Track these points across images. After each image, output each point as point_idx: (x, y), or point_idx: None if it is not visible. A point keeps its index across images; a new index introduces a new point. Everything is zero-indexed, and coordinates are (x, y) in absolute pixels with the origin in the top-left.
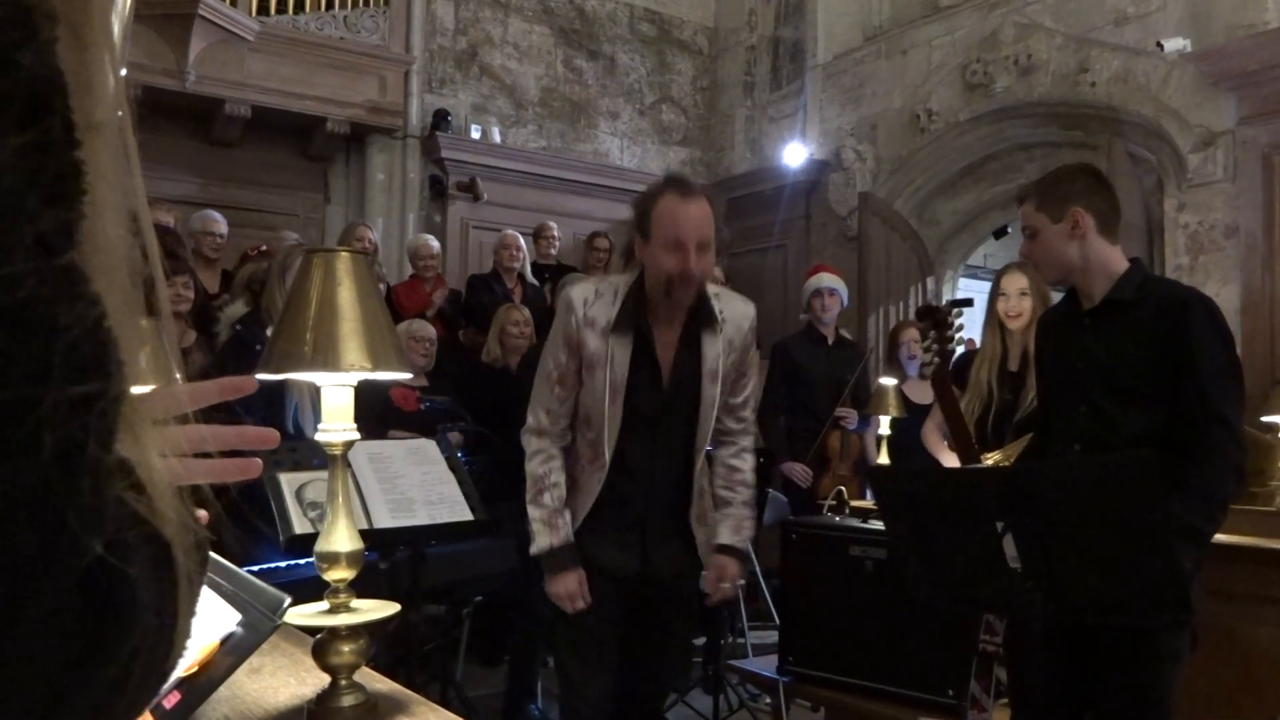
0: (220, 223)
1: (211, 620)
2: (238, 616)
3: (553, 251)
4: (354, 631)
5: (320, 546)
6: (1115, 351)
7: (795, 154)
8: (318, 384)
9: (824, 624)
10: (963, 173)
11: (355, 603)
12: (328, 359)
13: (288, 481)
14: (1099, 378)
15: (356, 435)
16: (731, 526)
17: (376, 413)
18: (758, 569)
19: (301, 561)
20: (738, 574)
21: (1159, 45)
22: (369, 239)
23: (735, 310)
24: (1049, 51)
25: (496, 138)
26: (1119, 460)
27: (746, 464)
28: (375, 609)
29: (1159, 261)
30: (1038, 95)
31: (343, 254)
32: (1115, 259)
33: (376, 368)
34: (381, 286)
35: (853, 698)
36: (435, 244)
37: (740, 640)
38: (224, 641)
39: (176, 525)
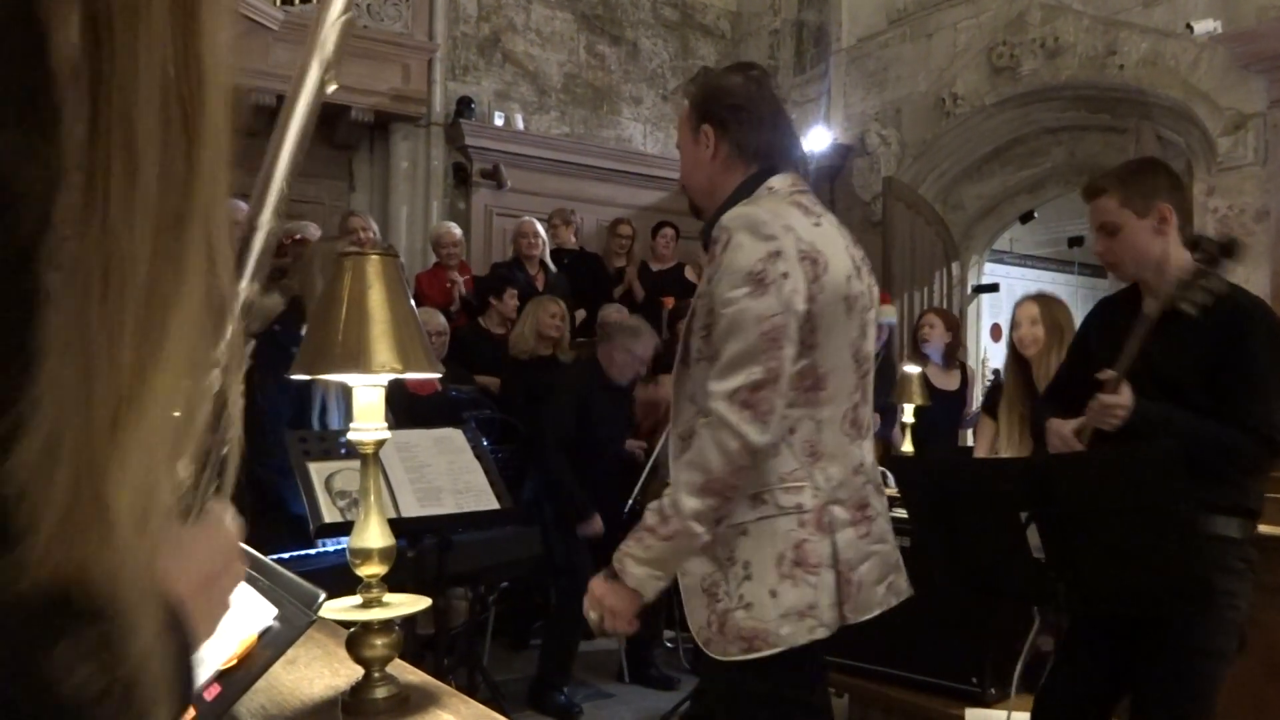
0: (244, 211)
1: (249, 614)
2: (274, 610)
3: (573, 238)
4: (386, 625)
5: (354, 543)
6: (1173, 358)
7: (819, 138)
8: (349, 384)
9: None
10: (988, 157)
11: (388, 597)
12: (359, 360)
13: (317, 471)
14: (1153, 382)
15: (388, 434)
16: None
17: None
18: None
19: (330, 549)
20: (607, 607)
21: (1189, 27)
22: (362, 228)
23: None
24: (1076, 34)
25: (519, 124)
26: (1142, 452)
27: (682, 473)
28: (407, 603)
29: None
30: (1065, 78)
31: (373, 257)
32: (1187, 259)
33: (407, 368)
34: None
35: (877, 685)
36: (458, 231)
37: None
38: (262, 635)
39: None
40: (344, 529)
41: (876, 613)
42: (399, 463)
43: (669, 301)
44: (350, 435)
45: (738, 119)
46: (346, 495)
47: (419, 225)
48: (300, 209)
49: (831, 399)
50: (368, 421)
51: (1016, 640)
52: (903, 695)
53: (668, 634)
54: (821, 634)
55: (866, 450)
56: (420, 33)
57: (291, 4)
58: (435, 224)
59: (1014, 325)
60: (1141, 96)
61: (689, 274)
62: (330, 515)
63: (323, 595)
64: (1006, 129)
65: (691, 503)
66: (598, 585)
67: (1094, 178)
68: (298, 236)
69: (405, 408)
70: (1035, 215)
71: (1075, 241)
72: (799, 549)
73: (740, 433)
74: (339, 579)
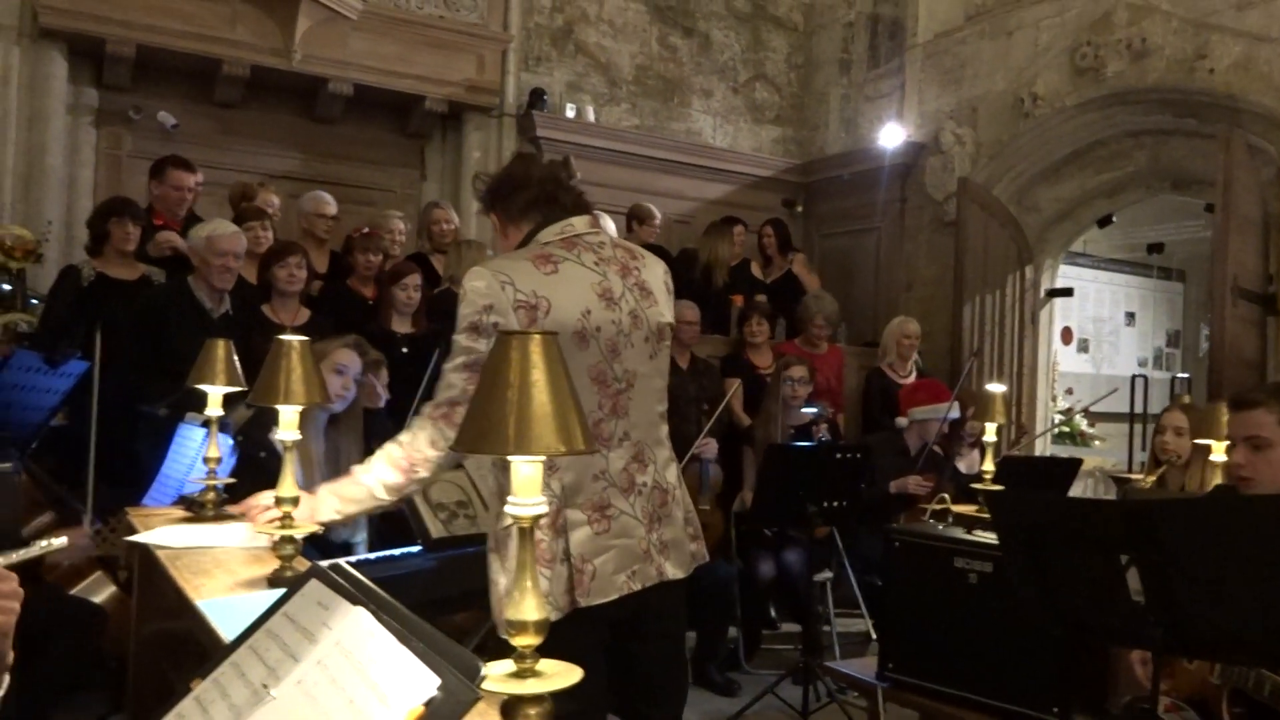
0: (331, 204)
1: (412, 683)
2: (437, 680)
3: (652, 238)
4: (540, 695)
5: (510, 615)
6: None
7: (892, 135)
8: (508, 459)
9: (926, 633)
10: (1067, 159)
11: (541, 665)
12: (523, 441)
13: None
14: None
15: (545, 508)
16: None
17: None
18: (845, 560)
19: (413, 549)
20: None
21: None
22: (445, 220)
23: None
24: (1165, 36)
25: (590, 116)
26: (1255, 502)
27: (388, 448)
28: (561, 673)
29: (1275, 258)
30: (1151, 81)
31: (535, 337)
32: None
33: (570, 449)
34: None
35: (951, 706)
36: None
37: (826, 628)
38: (427, 704)
39: None
40: (452, 543)
41: (615, 597)
42: (491, 475)
43: (738, 299)
44: (508, 509)
45: (507, 195)
46: (444, 507)
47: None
48: (371, 196)
49: None
50: (526, 496)
51: (1100, 669)
52: (976, 719)
53: (731, 633)
54: (555, 616)
55: (614, 458)
56: (495, 23)
57: None
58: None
59: (1158, 430)
60: (1231, 102)
61: (754, 270)
62: (436, 530)
63: (483, 667)
64: (1087, 131)
65: (383, 470)
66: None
67: (1248, 390)
68: (366, 230)
69: None
70: (1114, 220)
71: (1155, 248)
72: (537, 547)
73: (431, 436)
74: (423, 584)
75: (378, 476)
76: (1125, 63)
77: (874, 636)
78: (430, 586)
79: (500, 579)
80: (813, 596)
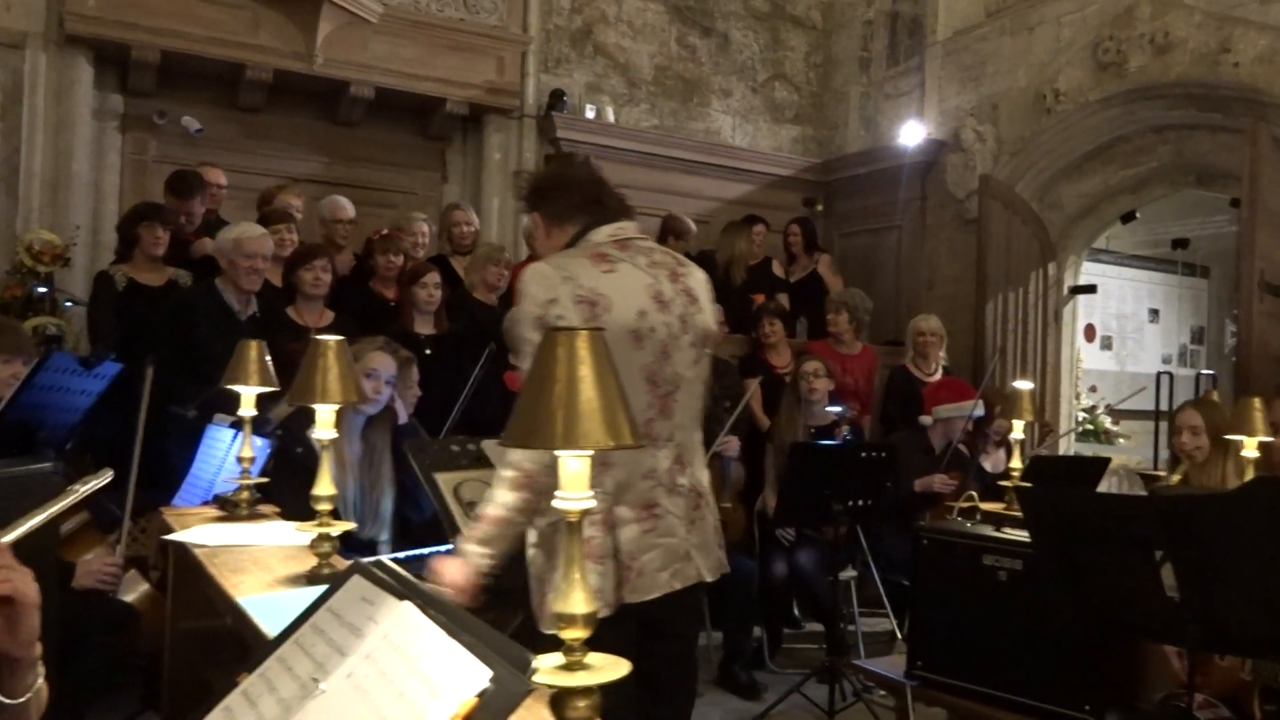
0: (349, 208)
1: (465, 674)
2: (488, 672)
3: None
4: (588, 688)
5: (559, 609)
6: None
7: (912, 133)
8: (558, 455)
9: (955, 631)
10: (1089, 155)
11: (589, 659)
12: (571, 437)
13: (444, 481)
14: None
15: (593, 503)
16: None
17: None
18: (869, 559)
19: (443, 549)
20: (446, 580)
21: None
22: (465, 223)
23: None
24: (1188, 29)
25: (610, 117)
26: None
27: (502, 470)
28: (609, 667)
29: None
30: (1175, 76)
31: (582, 333)
32: None
33: (618, 443)
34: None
35: (978, 704)
36: None
37: (851, 627)
38: (480, 696)
39: None
40: None
41: (658, 594)
42: None
43: (759, 298)
44: (556, 503)
45: (551, 197)
46: (475, 506)
47: (510, 217)
48: (393, 198)
49: None
50: (574, 490)
51: (1132, 666)
52: (1006, 717)
53: (755, 633)
54: (605, 613)
55: (661, 458)
56: (514, 25)
57: None
58: (527, 219)
59: (1174, 431)
60: (1256, 95)
61: (776, 269)
62: (467, 528)
63: (534, 660)
64: (1110, 127)
65: (506, 496)
66: (438, 560)
67: None
68: (385, 231)
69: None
70: (1137, 215)
71: (1180, 244)
72: (588, 544)
73: None
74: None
75: (502, 504)
76: (1148, 57)
77: (899, 635)
78: None
79: (544, 575)
80: (835, 595)
